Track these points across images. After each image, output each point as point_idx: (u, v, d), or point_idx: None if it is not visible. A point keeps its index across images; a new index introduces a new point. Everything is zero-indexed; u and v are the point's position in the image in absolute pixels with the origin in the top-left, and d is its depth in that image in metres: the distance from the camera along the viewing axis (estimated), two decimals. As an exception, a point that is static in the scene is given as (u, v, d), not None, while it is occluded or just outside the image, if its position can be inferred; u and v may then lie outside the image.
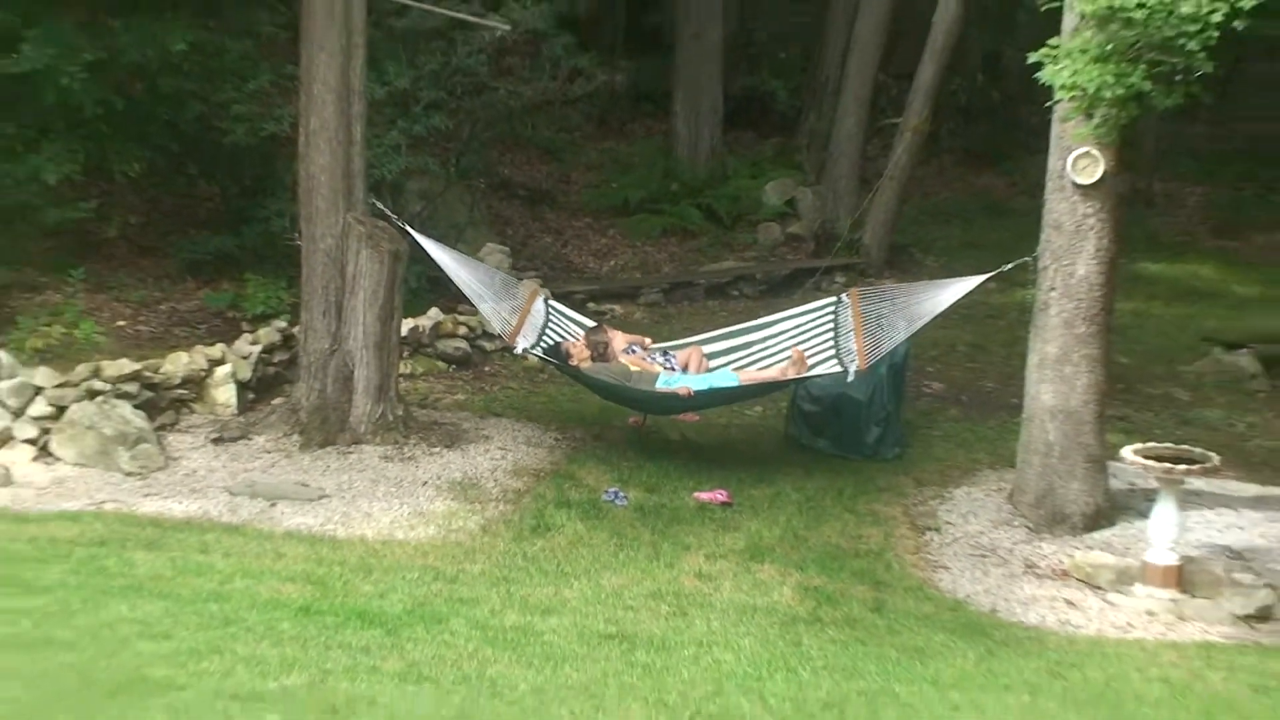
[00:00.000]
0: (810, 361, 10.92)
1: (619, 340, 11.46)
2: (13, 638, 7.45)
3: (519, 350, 11.05)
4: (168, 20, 13.21)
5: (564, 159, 18.31)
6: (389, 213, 11.27)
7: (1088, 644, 8.47)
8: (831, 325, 11.18)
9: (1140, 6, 7.59)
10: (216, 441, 10.77)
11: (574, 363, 10.90)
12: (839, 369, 10.61)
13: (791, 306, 11.95)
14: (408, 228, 11.15)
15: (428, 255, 11.08)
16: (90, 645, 7.43)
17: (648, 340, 11.82)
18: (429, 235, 11.25)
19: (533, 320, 11.31)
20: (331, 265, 10.80)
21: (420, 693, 7.15)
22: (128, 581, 8.29)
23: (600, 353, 11.13)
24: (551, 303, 11.81)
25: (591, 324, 11.74)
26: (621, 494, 10.15)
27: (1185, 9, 7.49)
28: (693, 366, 11.31)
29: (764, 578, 9.01)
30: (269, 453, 10.65)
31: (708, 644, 8.01)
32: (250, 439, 10.83)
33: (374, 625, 7.91)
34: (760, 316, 11.99)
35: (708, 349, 11.58)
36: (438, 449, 10.76)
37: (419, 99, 14.30)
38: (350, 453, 10.61)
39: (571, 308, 12.01)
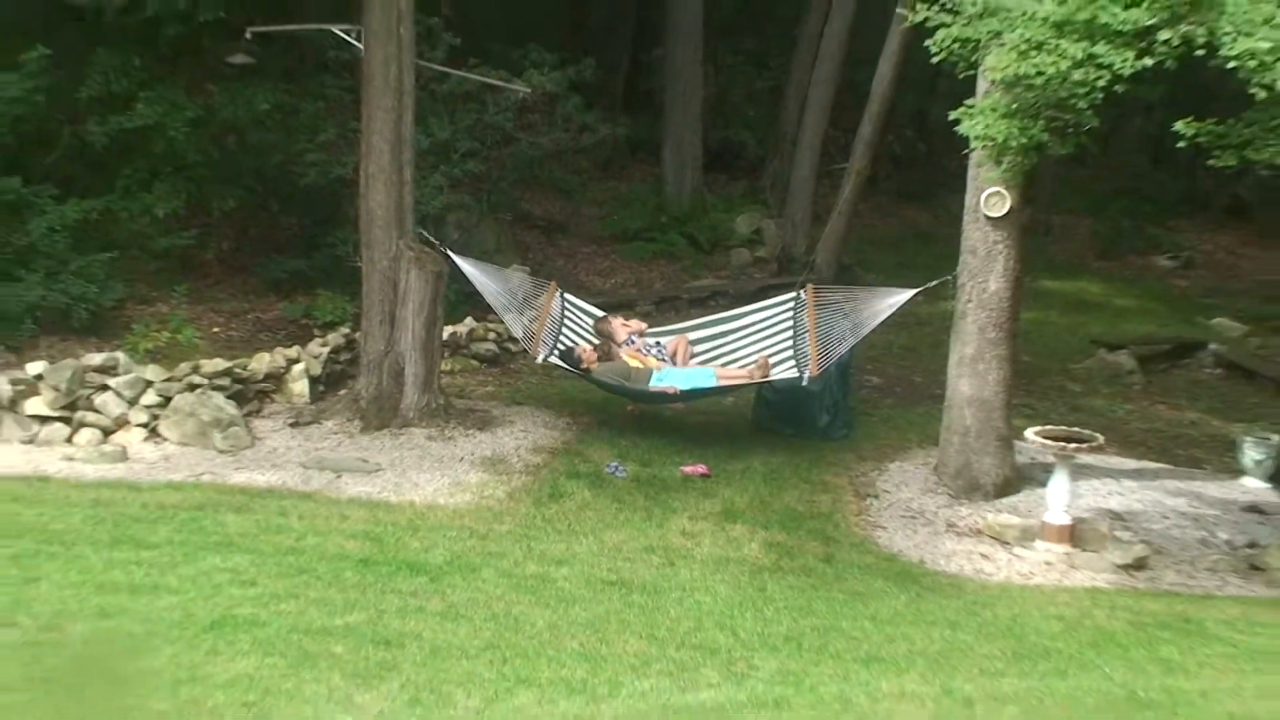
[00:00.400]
0: (772, 363, 10.95)
1: (620, 331, 11.49)
2: (129, 583, 7.47)
3: (539, 360, 11.06)
4: (255, 85, 13.23)
5: (574, 197, 18.28)
6: (433, 240, 11.27)
7: (998, 589, 8.50)
8: (791, 323, 11.20)
9: (1040, 74, 7.58)
10: (293, 425, 10.75)
11: (584, 366, 10.89)
12: (796, 374, 10.62)
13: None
14: (448, 252, 11.15)
15: (464, 275, 11.09)
16: (191, 589, 7.44)
17: (644, 326, 11.84)
18: (465, 258, 11.25)
19: (551, 321, 11.28)
20: (386, 283, 10.79)
21: (457, 628, 7.16)
22: (220, 538, 8.30)
23: (606, 352, 11.14)
24: (567, 297, 11.82)
25: (600, 314, 11.78)
26: (621, 467, 10.14)
27: (1076, 76, 7.48)
28: (680, 354, 11.36)
29: (736, 535, 9.02)
30: (335, 434, 10.63)
31: (690, 588, 8.03)
32: (320, 423, 10.81)
33: (420, 574, 7.91)
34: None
35: (692, 336, 11.63)
36: (472, 431, 10.73)
37: (457, 148, 14.31)
38: (401, 434, 10.59)
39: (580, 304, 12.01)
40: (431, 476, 9.76)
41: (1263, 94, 7.05)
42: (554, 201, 18.27)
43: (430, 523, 8.87)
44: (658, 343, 11.55)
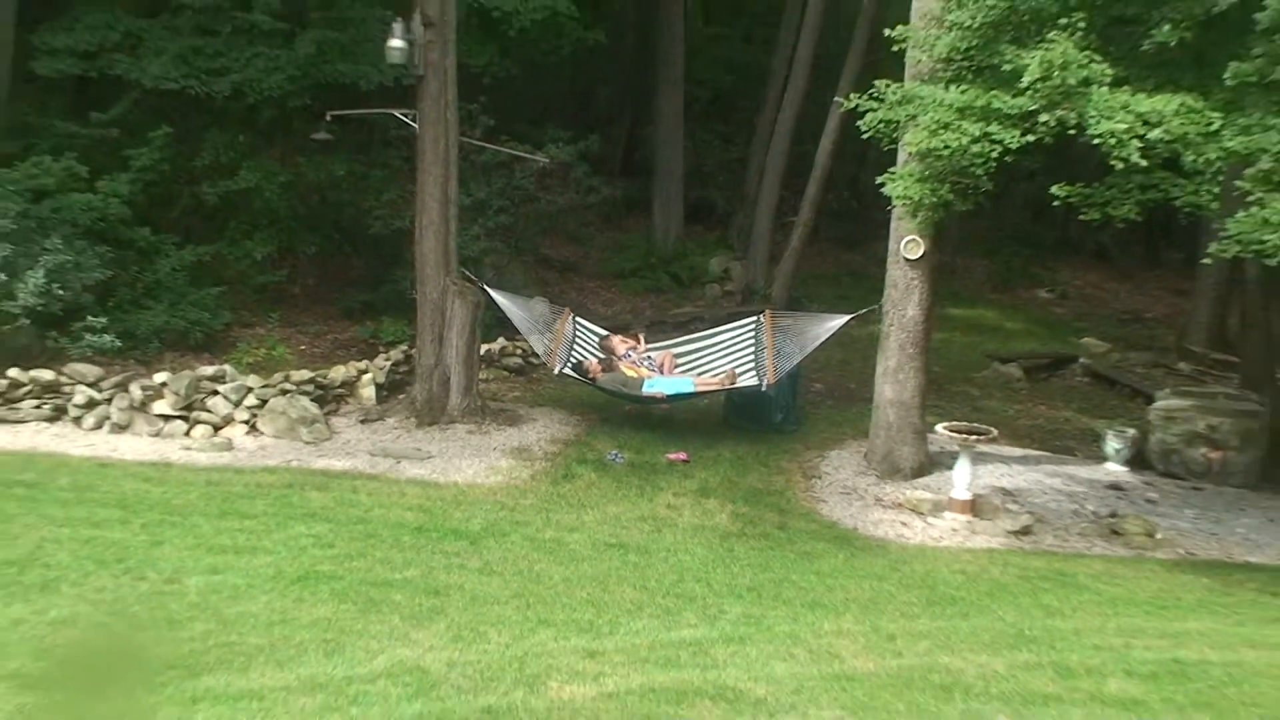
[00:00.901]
0: (738, 374, 10.97)
1: (620, 346, 11.49)
2: (233, 546, 7.48)
3: (555, 372, 11.06)
4: (333, 156, 13.26)
5: (583, 243, 18.27)
6: (472, 277, 11.25)
7: (915, 549, 8.52)
8: (753, 340, 11.21)
9: (946, 148, 7.64)
10: (362, 422, 10.74)
11: (591, 376, 10.91)
12: (757, 382, 10.65)
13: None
14: (484, 286, 11.15)
15: (497, 304, 11.09)
16: (282, 551, 7.44)
17: (638, 343, 11.82)
18: (499, 291, 11.25)
19: (564, 340, 11.27)
20: (436, 310, 10.79)
21: (491, 581, 7.16)
22: (306, 511, 8.31)
23: (608, 364, 11.15)
24: (578, 319, 11.80)
25: (604, 333, 11.78)
26: (620, 455, 10.14)
27: (975, 149, 7.53)
28: (666, 366, 11.36)
29: (709, 508, 9.03)
30: (396, 429, 10.62)
31: (674, 550, 8.04)
32: (384, 420, 10.80)
33: (462, 538, 7.92)
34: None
35: (675, 352, 11.62)
36: (503, 427, 10.72)
37: (491, 205, 14.31)
38: (447, 429, 10.58)
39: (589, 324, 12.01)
40: (471, 462, 9.76)
41: (1120, 164, 7.11)
42: (567, 247, 18.26)
43: (470, 498, 8.88)
44: (648, 357, 11.56)
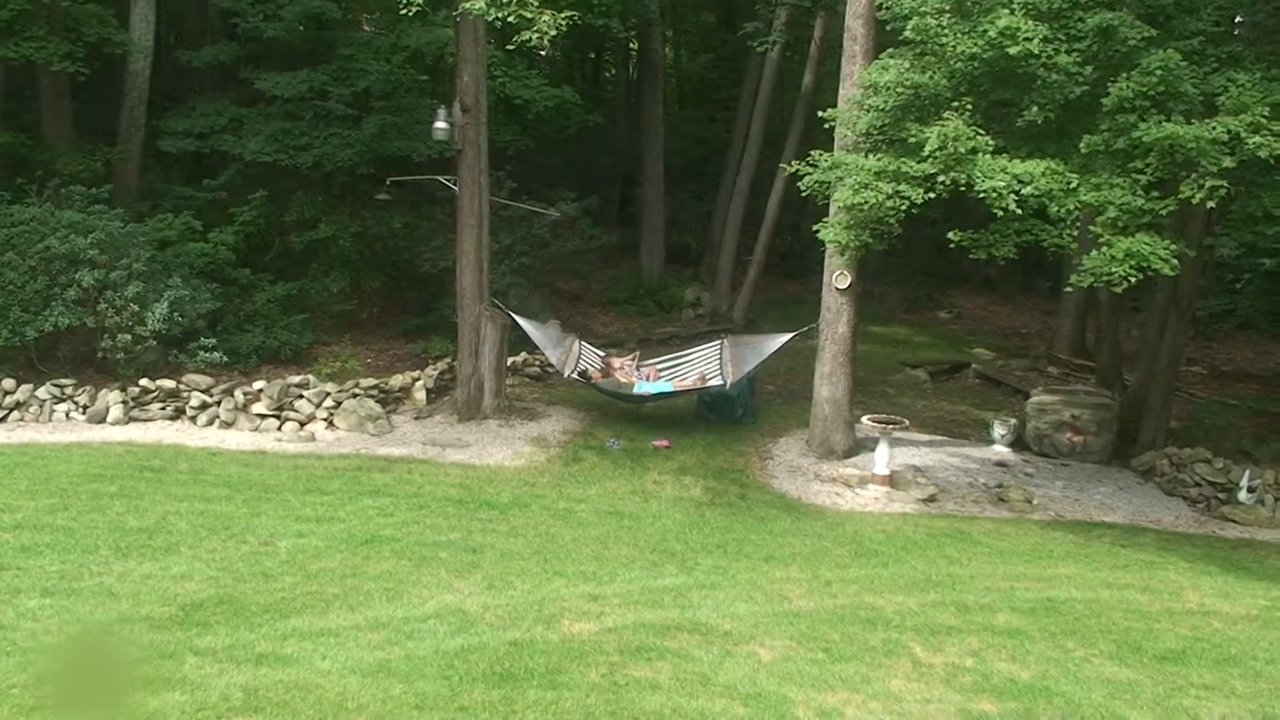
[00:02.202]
0: (707, 377, 10.96)
1: (616, 361, 11.49)
2: (315, 515, 7.45)
3: (565, 374, 11.04)
4: (392, 212, 13.21)
5: (587, 278, 18.24)
6: (501, 305, 11.22)
7: (846, 514, 8.52)
8: (718, 357, 11.23)
9: (866, 203, 7.66)
10: (415, 418, 10.68)
11: (593, 379, 10.89)
12: (722, 382, 10.65)
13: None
14: (510, 313, 11.12)
15: (520, 326, 11.05)
16: (352, 519, 7.41)
17: (631, 361, 11.80)
18: (521, 317, 11.22)
19: (573, 355, 11.28)
20: (473, 331, 10.76)
21: (516, 541, 7.14)
22: (371, 488, 8.27)
23: (606, 373, 11.14)
24: (582, 343, 11.79)
25: (602, 354, 11.75)
26: (616, 442, 10.10)
27: (888, 204, 7.56)
28: (651, 376, 11.34)
29: (686, 483, 9.02)
30: (441, 424, 10.57)
31: (658, 515, 8.02)
32: (432, 417, 10.74)
33: (493, 509, 7.89)
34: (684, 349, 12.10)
35: (659, 367, 11.61)
36: (525, 421, 10.68)
37: (515, 250, 14.29)
38: (482, 424, 10.53)
39: (591, 347, 12.01)
40: (500, 449, 9.72)
41: (1000, 213, 7.14)
42: (575, 281, 18.21)
43: (500, 477, 8.85)
44: (637, 368, 11.57)
